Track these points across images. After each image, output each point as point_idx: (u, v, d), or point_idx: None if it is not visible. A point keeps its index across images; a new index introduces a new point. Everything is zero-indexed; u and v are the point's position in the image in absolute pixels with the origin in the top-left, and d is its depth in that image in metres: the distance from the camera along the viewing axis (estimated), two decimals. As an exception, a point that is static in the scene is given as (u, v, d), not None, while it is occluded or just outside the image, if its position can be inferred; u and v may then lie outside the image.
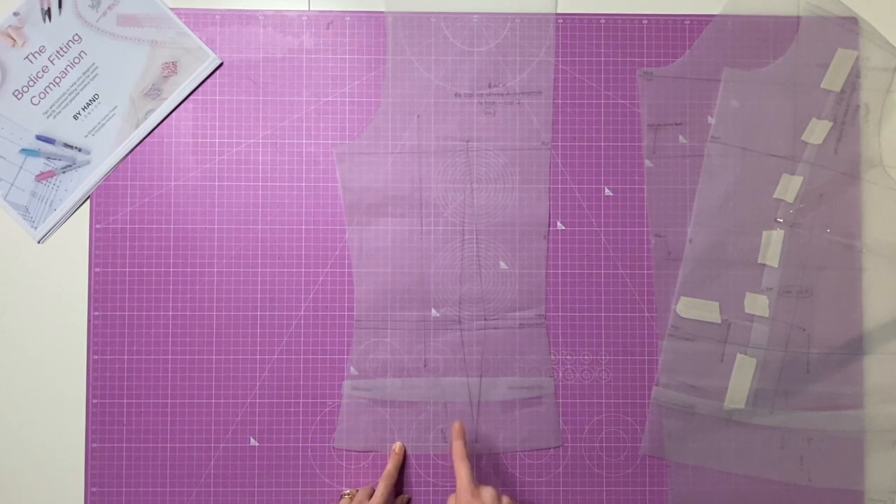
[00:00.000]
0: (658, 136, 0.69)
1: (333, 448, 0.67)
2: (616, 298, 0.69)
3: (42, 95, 0.68)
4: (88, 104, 0.68)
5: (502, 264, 0.68)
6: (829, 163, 0.69)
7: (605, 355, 0.68)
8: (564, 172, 0.69)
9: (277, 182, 0.68)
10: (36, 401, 0.67)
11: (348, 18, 0.70)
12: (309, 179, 0.69)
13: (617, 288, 0.69)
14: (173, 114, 0.69)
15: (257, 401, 0.67)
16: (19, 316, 0.67)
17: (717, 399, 0.68)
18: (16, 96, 0.68)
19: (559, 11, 0.70)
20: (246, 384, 0.67)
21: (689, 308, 0.68)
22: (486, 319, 0.68)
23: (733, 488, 0.67)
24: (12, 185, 0.67)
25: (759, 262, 0.69)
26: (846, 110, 0.70)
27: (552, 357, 0.68)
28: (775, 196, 0.69)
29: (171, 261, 0.68)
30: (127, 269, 0.67)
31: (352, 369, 0.68)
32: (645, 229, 0.69)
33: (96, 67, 0.68)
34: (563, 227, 0.69)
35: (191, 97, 0.69)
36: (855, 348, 0.68)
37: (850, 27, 0.70)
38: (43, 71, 0.68)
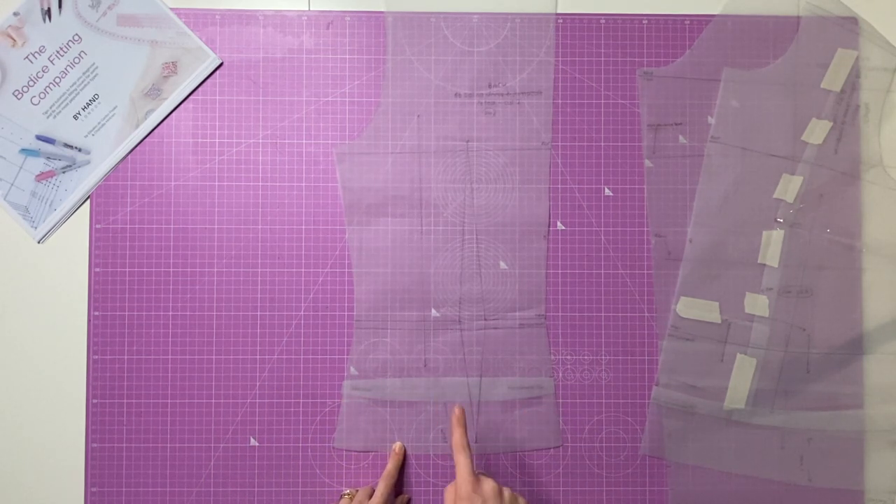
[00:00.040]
0: (658, 136, 0.69)
1: (333, 448, 0.67)
2: (616, 298, 0.69)
3: (42, 95, 0.68)
4: (88, 104, 0.68)
5: (502, 264, 0.68)
6: (829, 163, 0.69)
7: (605, 355, 0.68)
8: (564, 172, 0.69)
9: (277, 182, 0.68)
10: (36, 401, 0.67)
11: (348, 18, 0.70)
12: (309, 179, 0.69)
13: (617, 288, 0.69)
14: (173, 114, 0.69)
15: (257, 401, 0.67)
16: (19, 316, 0.67)
17: (717, 399, 0.68)
18: (16, 96, 0.68)
19: (559, 11, 0.70)
20: (246, 384, 0.67)
21: (689, 308, 0.68)
22: (486, 319, 0.68)
23: (733, 488, 0.67)
24: (12, 185, 0.67)
25: (759, 262, 0.69)
26: (846, 110, 0.70)
27: (552, 357, 0.68)
28: (775, 196, 0.69)
29: (171, 261, 0.68)
30: (127, 269, 0.67)
31: (352, 369, 0.68)
32: (645, 229, 0.69)
33: (96, 67, 0.68)
34: (563, 227, 0.69)
35: (191, 97, 0.69)
36: (855, 348, 0.68)
37: (850, 27, 0.70)
38: (43, 71, 0.68)
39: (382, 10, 0.70)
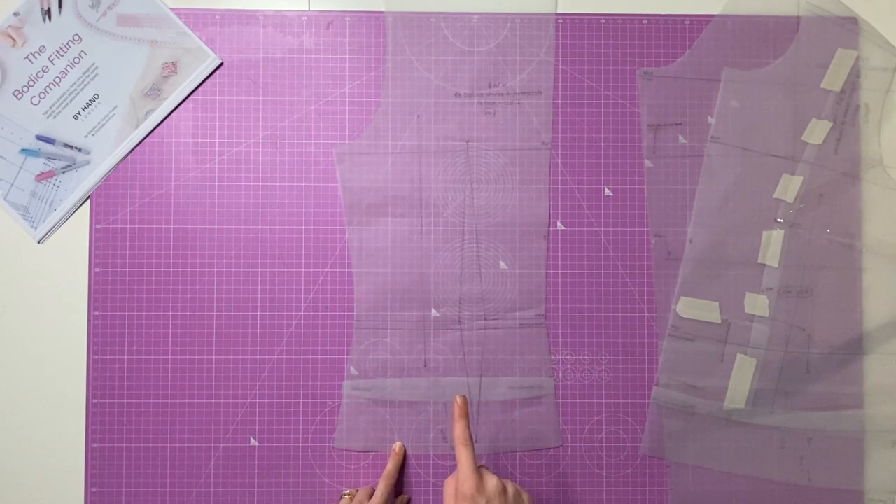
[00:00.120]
0: (658, 136, 0.69)
1: (333, 448, 0.67)
2: (616, 298, 0.69)
3: (42, 95, 0.68)
4: (88, 104, 0.68)
5: (502, 264, 0.68)
6: (829, 163, 0.69)
7: (605, 355, 0.68)
8: (564, 172, 0.69)
9: (277, 182, 0.68)
10: (36, 401, 0.67)
11: (348, 18, 0.70)
12: (309, 179, 0.69)
13: (617, 288, 0.69)
14: (173, 114, 0.69)
15: (257, 401, 0.67)
16: (19, 316, 0.67)
17: (717, 399, 0.68)
18: (16, 96, 0.68)
19: (559, 11, 0.70)
20: (246, 384, 0.67)
21: (689, 308, 0.68)
22: (486, 319, 0.68)
23: (733, 488, 0.67)
24: (12, 185, 0.67)
25: (759, 262, 0.69)
26: (846, 110, 0.70)
27: (552, 357, 0.68)
28: (775, 196, 0.69)
29: (171, 261, 0.68)
30: (127, 269, 0.67)
31: (352, 369, 0.68)
32: (645, 229, 0.69)
33: (96, 67, 0.68)
34: (563, 227, 0.69)
35: (191, 97, 0.69)
36: (855, 348, 0.68)
37: (850, 27, 0.70)
38: (43, 71, 0.68)
39: (382, 10, 0.70)
